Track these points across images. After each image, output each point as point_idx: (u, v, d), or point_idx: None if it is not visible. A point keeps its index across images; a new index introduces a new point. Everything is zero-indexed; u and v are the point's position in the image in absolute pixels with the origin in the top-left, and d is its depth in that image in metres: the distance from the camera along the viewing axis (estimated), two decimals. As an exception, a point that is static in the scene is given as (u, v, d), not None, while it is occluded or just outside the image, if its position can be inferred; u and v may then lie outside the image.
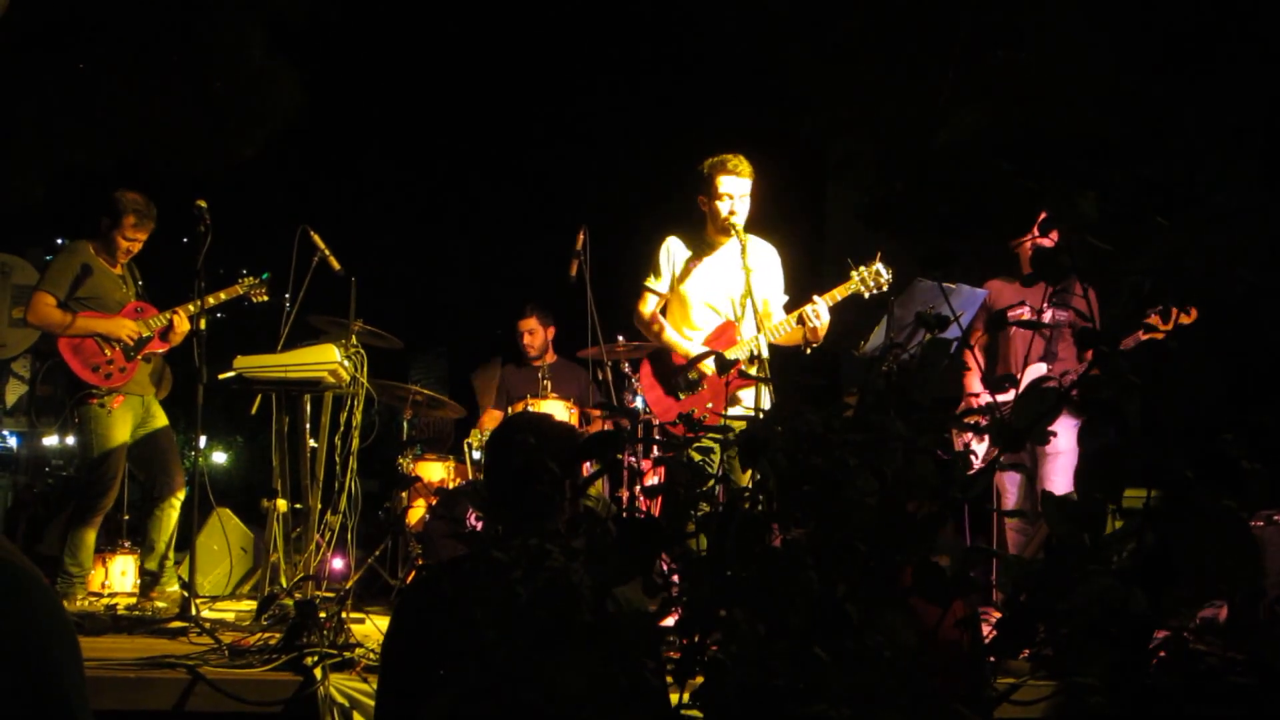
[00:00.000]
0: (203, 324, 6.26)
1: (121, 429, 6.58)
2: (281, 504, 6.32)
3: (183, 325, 6.63)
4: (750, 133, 7.82)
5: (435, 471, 7.89)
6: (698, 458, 1.83)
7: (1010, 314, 6.26)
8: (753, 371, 5.62)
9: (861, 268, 5.75)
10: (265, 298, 6.95)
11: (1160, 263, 1.58)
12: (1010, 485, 6.39)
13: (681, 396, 5.87)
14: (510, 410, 8.05)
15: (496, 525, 3.36)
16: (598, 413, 7.89)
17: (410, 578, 7.01)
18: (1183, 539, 1.52)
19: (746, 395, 5.78)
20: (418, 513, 7.56)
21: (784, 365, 6.06)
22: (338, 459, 6.09)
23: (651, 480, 6.76)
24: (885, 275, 5.72)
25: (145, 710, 4.22)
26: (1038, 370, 6.20)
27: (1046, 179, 1.70)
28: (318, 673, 4.30)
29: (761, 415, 1.79)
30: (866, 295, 5.77)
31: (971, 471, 1.71)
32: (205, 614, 5.77)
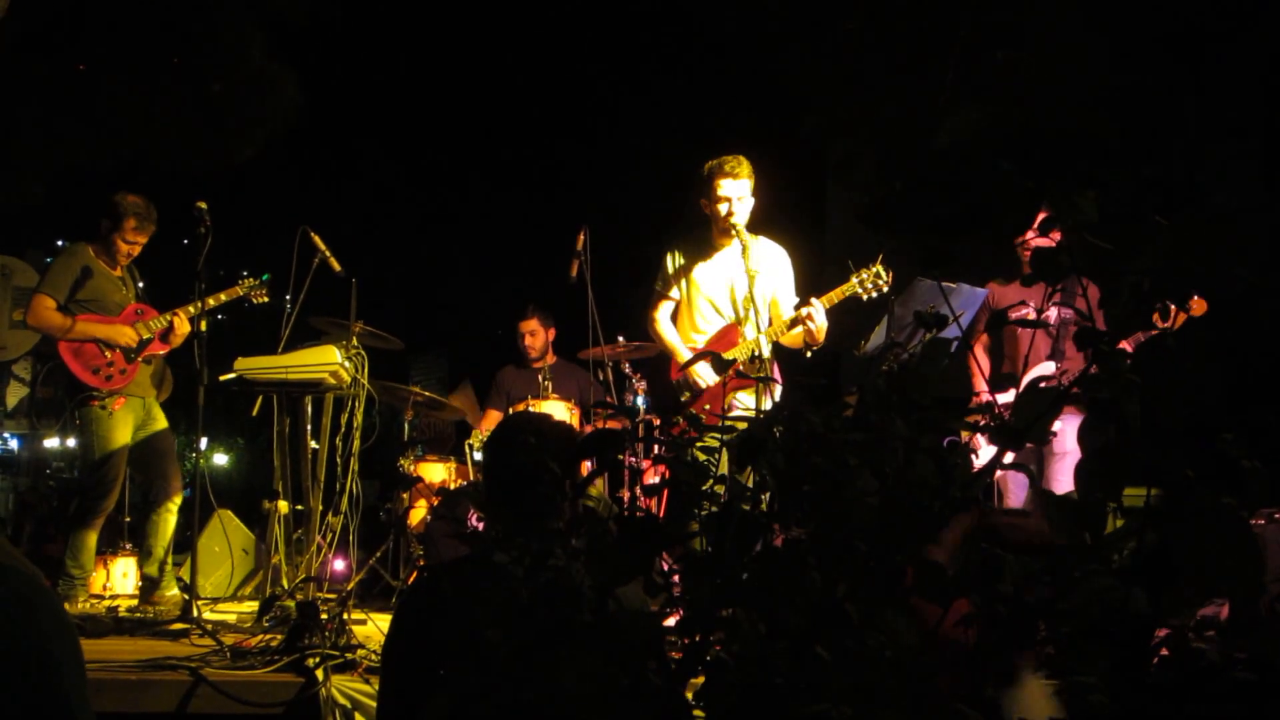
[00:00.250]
0: (203, 325, 6.26)
1: (122, 431, 6.58)
2: (283, 505, 6.33)
3: (183, 327, 6.63)
4: (750, 133, 7.83)
5: (436, 472, 7.89)
6: (703, 458, 1.82)
7: (1012, 313, 6.26)
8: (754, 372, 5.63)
9: (862, 270, 5.75)
10: (266, 299, 6.95)
11: (1160, 262, 1.58)
12: (1015, 486, 6.39)
13: (682, 399, 5.90)
14: (511, 411, 8.06)
15: (497, 526, 3.36)
16: (599, 412, 7.90)
17: (411, 578, 7.01)
18: (1183, 538, 1.52)
19: (748, 398, 5.79)
20: (419, 513, 7.57)
21: (784, 365, 6.06)
22: (339, 460, 6.09)
23: (652, 480, 6.77)
24: (885, 277, 5.72)
25: (147, 712, 4.22)
26: (1046, 369, 6.21)
27: (1046, 179, 1.70)
28: (319, 674, 4.31)
29: (762, 415, 1.80)
30: (865, 298, 5.77)
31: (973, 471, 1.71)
32: (206, 615, 5.77)
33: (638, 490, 6.79)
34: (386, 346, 6.96)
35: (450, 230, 21.72)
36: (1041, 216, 1.75)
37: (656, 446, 5.75)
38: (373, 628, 5.27)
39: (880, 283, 5.72)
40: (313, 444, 6.41)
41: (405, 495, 7.68)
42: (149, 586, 6.68)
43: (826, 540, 1.64)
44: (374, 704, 4.15)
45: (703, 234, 6.03)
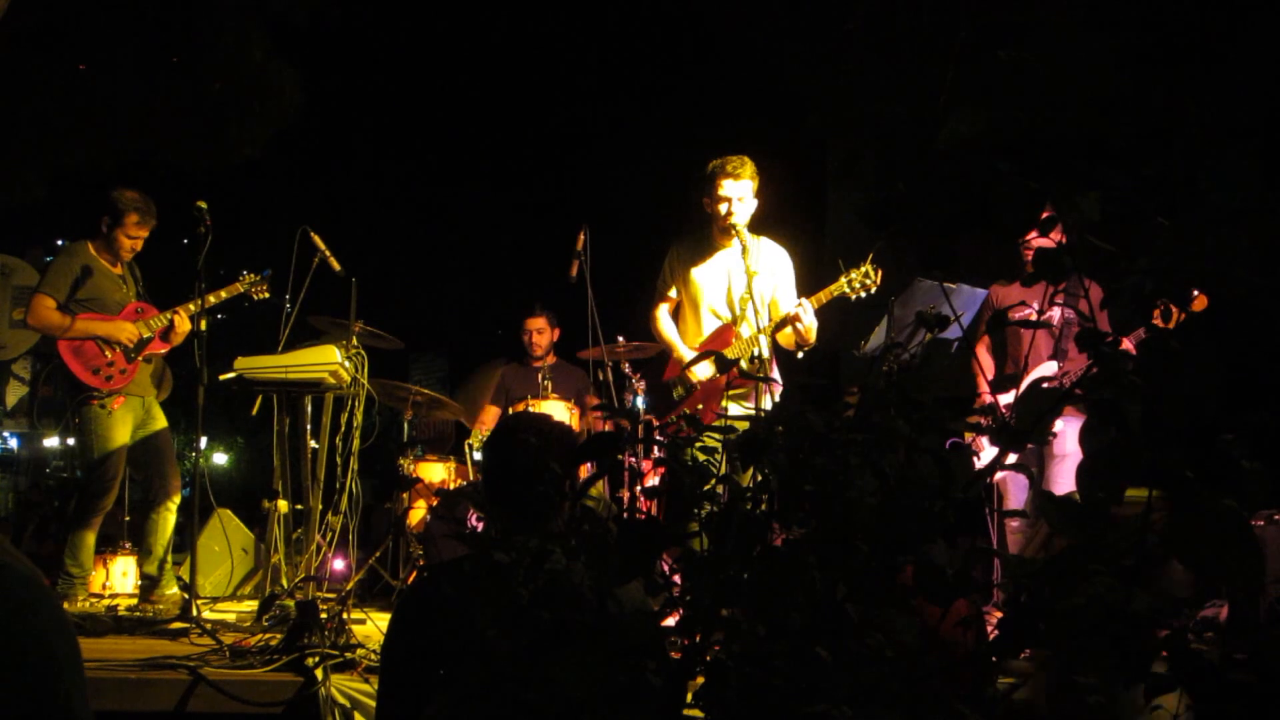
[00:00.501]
0: (203, 324, 6.26)
1: (122, 430, 6.58)
2: (282, 505, 6.33)
3: (183, 325, 6.63)
4: (751, 133, 7.82)
5: (436, 472, 7.89)
6: (703, 458, 1.82)
7: (1013, 313, 6.26)
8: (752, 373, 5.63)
9: (851, 270, 5.74)
10: (266, 295, 6.94)
11: (1161, 263, 1.58)
12: (1015, 487, 6.38)
13: (675, 398, 5.91)
14: (510, 410, 8.05)
15: (497, 526, 3.36)
16: (596, 412, 7.91)
17: (411, 578, 7.01)
18: (1184, 539, 1.52)
19: (736, 409, 5.79)
20: (419, 513, 7.56)
21: (783, 366, 6.06)
22: (338, 460, 6.09)
23: (652, 481, 6.76)
24: (874, 277, 5.71)
25: (146, 711, 4.22)
26: (1048, 368, 6.20)
27: (1047, 179, 1.70)
28: (319, 673, 4.30)
29: (763, 415, 1.79)
30: (853, 297, 5.77)
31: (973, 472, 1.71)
32: (206, 615, 5.77)
33: (637, 491, 6.79)
34: (386, 346, 6.96)
35: (450, 230, 21.74)
36: (1044, 216, 1.75)
37: (656, 447, 5.76)
38: (372, 627, 5.27)
39: (869, 283, 5.71)
40: (312, 443, 6.41)
41: (405, 495, 7.68)
42: (149, 585, 6.68)
43: (827, 540, 1.64)
44: (373, 703, 4.15)
45: (704, 234, 6.03)
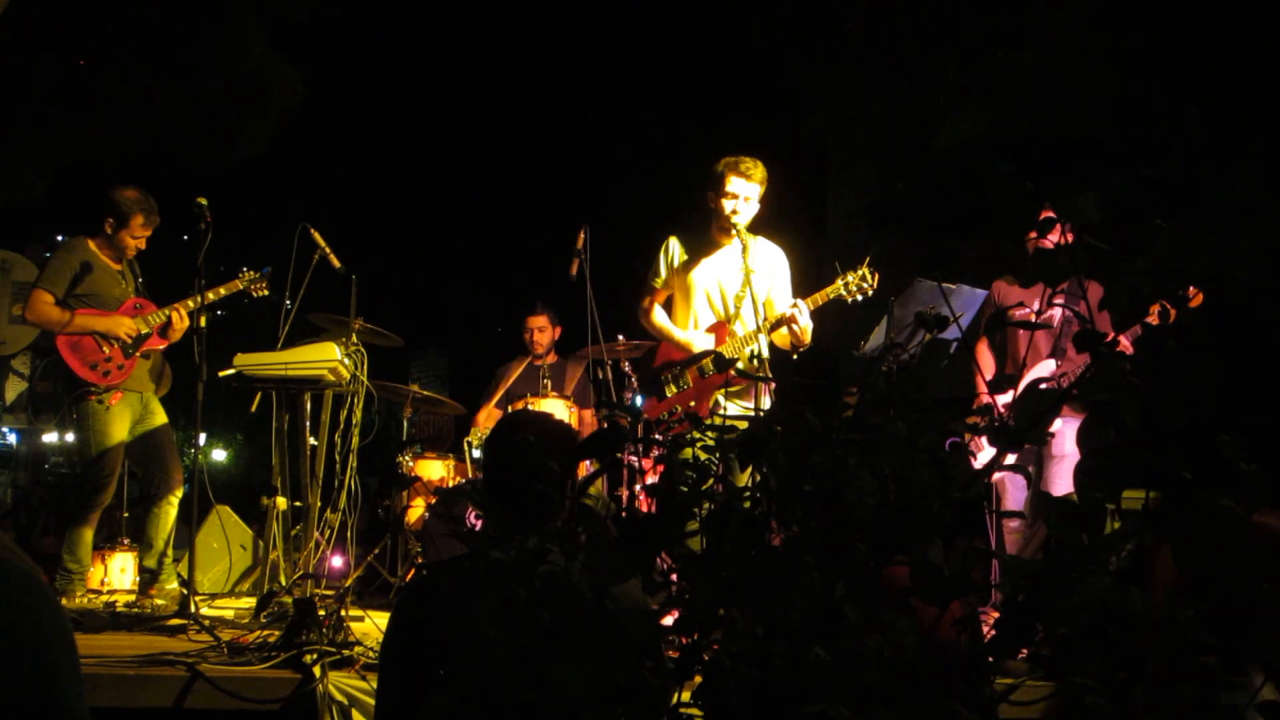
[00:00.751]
0: (203, 321, 6.26)
1: (120, 426, 6.57)
2: (281, 502, 6.33)
3: (181, 322, 6.62)
4: (752, 133, 7.82)
5: (435, 470, 7.89)
6: (704, 456, 1.82)
7: (1013, 313, 6.26)
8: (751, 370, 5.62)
9: (848, 272, 5.73)
10: (266, 292, 6.94)
11: (1160, 263, 1.58)
12: (1014, 488, 6.38)
13: (667, 395, 5.87)
14: (510, 409, 8.05)
15: (495, 524, 3.36)
16: (590, 415, 7.91)
17: (409, 576, 7.01)
18: (1181, 540, 1.52)
19: (733, 406, 5.78)
20: (417, 511, 7.56)
21: (776, 366, 6.05)
22: (337, 457, 6.09)
23: (652, 479, 6.76)
24: (870, 280, 5.71)
25: (144, 707, 4.22)
26: (1047, 367, 6.20)
27: (1047, 179, 1.71)
28: (316, 670, 4.31)
29: (761, 414, 1.79)
30: (849, 300, 5.76)
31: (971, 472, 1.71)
32: (204, 611, 5.77)
33: (636, 489, 6.79)
34: (386, 343, 6.96)
35: (451, 228, 21.74)
36: (1043, 216, 1.75)
37: (655, 446, 5.75)
38: (370, 625, 5.27)
39: (866, 286, 5.71)
40: (311, 440, 6.41)
41: (404, 493, 7.68)
42: (148, 579, 6.68)
43: (826, 540, 1.64)
44: (371, 701, 4.15)
45: (702, 229, 6.02)
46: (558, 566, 1.70)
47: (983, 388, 6.39)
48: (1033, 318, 5.98)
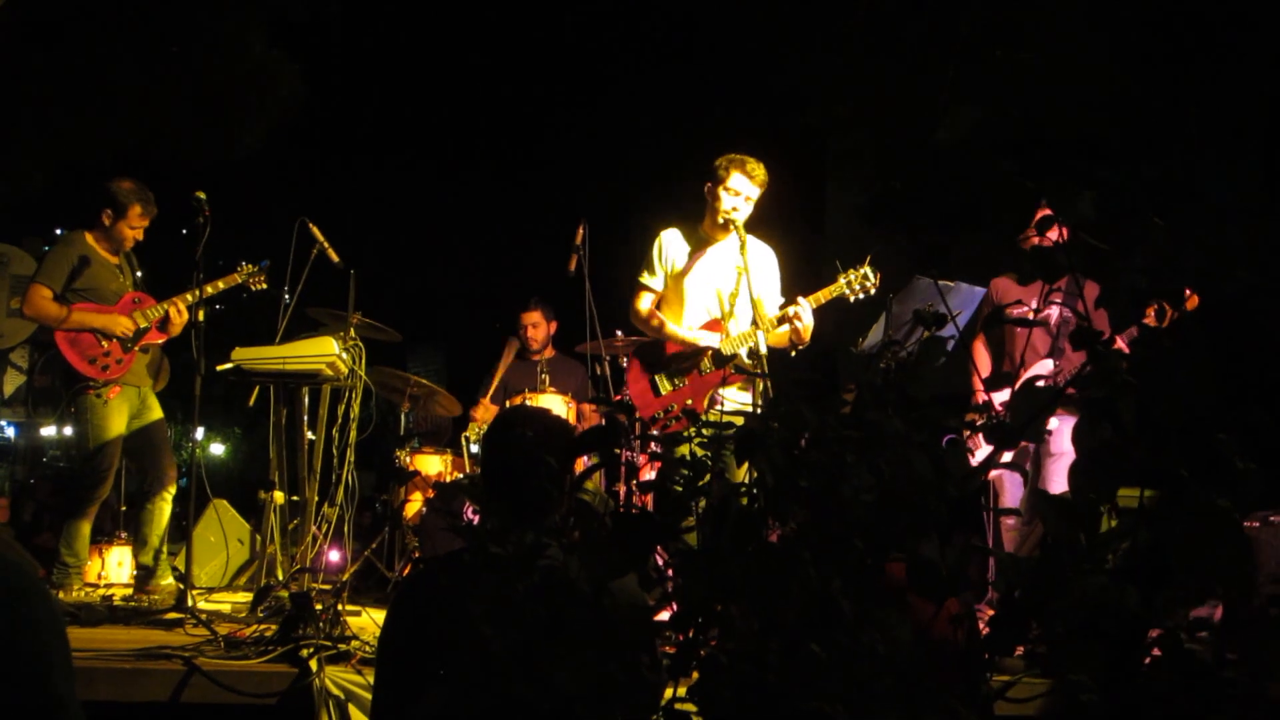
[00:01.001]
0: (201, 315, 6.25)
1: (118, 420, 6.57)
2: (278, 496, 6.33)
3: (180, 317, 6.61)
4: (751, 129, 7.82)
5: (433, 464, 7.89)
6: (701, 453, 1.82)
7: (1010, 310, 6.26)
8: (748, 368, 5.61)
9: (850, 270, 5.73)
10: (264, 285, 6.94)
11: (1157, 261, 1.58)
12: (1011, 485, 6.38)
13: (662, 392, 5.85)
14: (507, 404, 8.05)
15: (493, 519, 3.36)
16: (590, 409, 7.90)
17: (406, 570, 7.01)
18: (1177, 538, 1.52)
19: (729, 393, 5.77)
20: (415, 506, 7.57)
21: (780, 362, 6.04)
22: (335, 451, 6.09)
23: (648, 475, 6.75)
24: (873, 279, 5.71)
25: (140, 701, 4.22)
26: (1044, 366, 6.20)
27: (1045, 177, 1.71)
28: (313, 665, 4.31)
29: (759, 411, 1.80)
30: (853, 298, 5.75)
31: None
32: (201, 605, 5.77)
33: (634, 485, 6.79)
34: (384, 338, 6.96)
35: (449, 223, 21.74)
36: (1040, 214, 1.75)
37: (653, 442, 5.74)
38: (367, 619, 5.27)
39: (868, 284, 5.71)
40: (309, 435, 6.41)
41: (401, 488, 7.68)
42: (144, 575, 6.67)
43: (822, 536, 1.64)
44: (367, 695, 4.15)
45: (696, 226, 5.99)
46: (556, 562, 1.71)
47: (978, 385, 6.40)
48: (1030, 315, 6.00)
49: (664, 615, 1.79)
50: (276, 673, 4.35)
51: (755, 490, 1.74)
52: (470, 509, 6.80)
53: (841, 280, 5.72)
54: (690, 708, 1.65)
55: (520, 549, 1.71)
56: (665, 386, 5.83)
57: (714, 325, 5.83)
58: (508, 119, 19.44)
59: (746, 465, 1.77)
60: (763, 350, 5.55)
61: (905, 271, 5.93)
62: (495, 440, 3.25)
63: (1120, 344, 5.56)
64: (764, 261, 5.91)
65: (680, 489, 1.76)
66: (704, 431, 1.92)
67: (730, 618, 1.65)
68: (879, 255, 5.77)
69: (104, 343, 6.49)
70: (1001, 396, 6.17)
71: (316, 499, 6.21)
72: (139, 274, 6.86)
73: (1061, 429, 5.83)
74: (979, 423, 1.73)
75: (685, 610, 1.68)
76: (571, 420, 7.44)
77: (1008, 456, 5.91)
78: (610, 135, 16.27)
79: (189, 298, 6.57)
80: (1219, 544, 1.50)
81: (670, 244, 5.99)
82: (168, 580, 6.66)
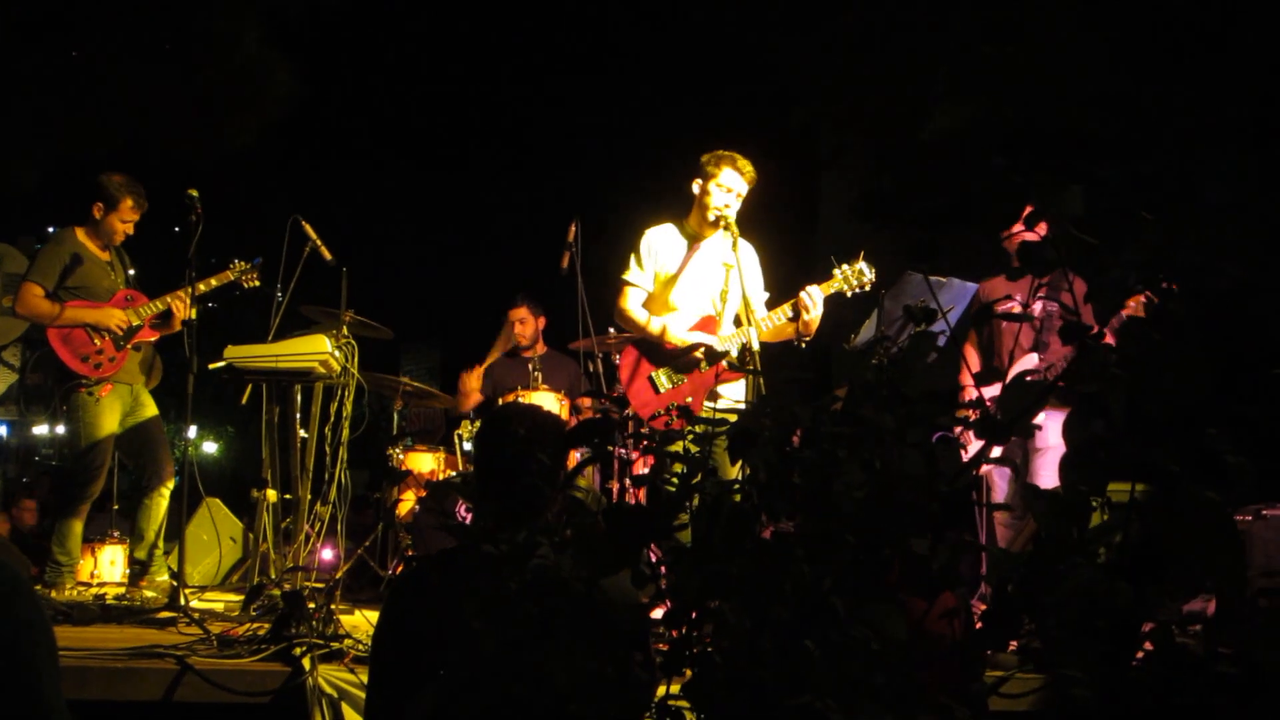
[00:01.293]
0: (193, 313, 6.25)
1: (110, 418, 6.57)
2: (271, 494, 6.32)
3: (181, 313, 6.58)
4: (743, 125, 7.81)
5: (425, 463, 7.89)
6: (694, 449, 1.83)
7: (999, 307, 6.27)
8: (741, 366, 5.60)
9: (844, 265, 5.72)
10: (257, 283, 6.93)
11: (1147, 256, 1.58)
12: (1001, 480, 6.40)
13: (661, 390, 5.83)
14: (499, 401, 8.04)
15: (486, 517, 3.36)
16: (588, 402, 7.89)
17: (398, 569, 7.01)
18: (1169, 532, 1.53)
19: (726, 390, 5.76)
20: (407, 504, 7.56)
21: (775, 358, 6.03)
22: (328, 449, 6.08)
23: (642, 470, 6.74)
24: (868, 275, 5.70)
25: (133, 700, 4.21)
26: (1029, 361, 6.21)
27: (1035, 173, 1.71)
28: (306, 663, 4.30)
29: (749, 405, 1.80)
30: (849, 294, 5.75)
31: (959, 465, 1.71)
32: (194, 604, 5.76)
33: (627, 482, 6.78)
34: (376, 335, 6.95)
35: (442, 220, 21.74)
36: (1028, 211, 1.75)
37: (641, 441, 5.72)
38: (360, 618, 5.27)
39: (864, 279, 5.71)
40: (302, 433, 6.40)
41: (394, 486, 7.68)
42: (138, 571, 6.68)
43: (814, 533, 1.64)
44: (360, 694, 4.15)
45: (682, 223, 5.98)
46: (548, 560, 1.70)
47: (966, 380, 6.41)
48: (1018, 310, 6.00)
49: (657, 613, 1.79)
50: (269, 671, 4.35)
51: (748, 487, 1.74)
52: (463, 507, 6.79)
53: (837, 275, 5.72)
54: (683, 705, 1.65)
55: (513, 547, 1.71)
56: (664, 384, 5.81)
57: (706, 322, 5.82)
58: (501, 116, 19.44)
59: (739, 463, 1.77)
60: (755, 347, 5.53)
61: (898, 267, 5.93)
62: (487, 438, 3.25)
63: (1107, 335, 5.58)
64: (745, 258, 5.88)
65: (673, 487, 1.75)
66: (697, 428, 1.92)
67: (723, 615, 1.65)
68: (872, 251, 5.76)
69: (96, 340, 6.49)
70: (991, 392, 6.18)
71: (309, 497, 6.21)
72: (131, 271, 6.86)
73: (1048, 424, 5.84)
74: (971, 419, 1.73)
75: (678, 607, 1.68)
76: (565, 417, 7.43)
77: (996, 451, 5.93)
78: (603, 133, 16.26)
79: (182, 295, 6.56)
80: (1210, 538, 1.50)
81: (657, 241, 5.96)
82: (162, 576, 6.66)
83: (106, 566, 7.39)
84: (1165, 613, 1.58)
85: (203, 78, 11.83)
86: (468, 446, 7.77)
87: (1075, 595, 1.54)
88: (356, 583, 7.16)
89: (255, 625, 4.97)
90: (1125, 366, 1.55)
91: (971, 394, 6.20)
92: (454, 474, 7.63)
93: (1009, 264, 6.44)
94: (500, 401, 7.89)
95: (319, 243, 6.55)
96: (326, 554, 6.87)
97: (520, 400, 7.29)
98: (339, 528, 6.16)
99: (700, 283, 5.87)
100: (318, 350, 5.99)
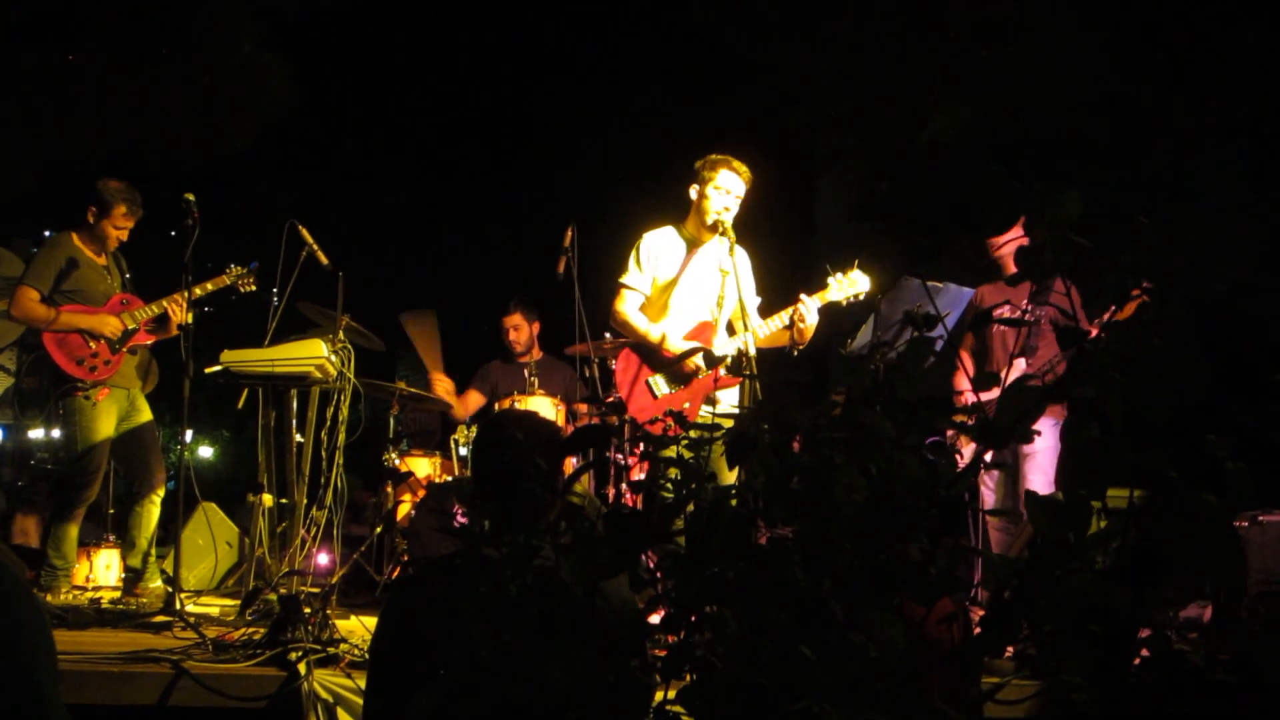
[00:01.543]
0: (189, 317, 6.24)
1: (106, 422, 6.56)
2: (267, 499, 6.31)
3: (178, 317, 6.58)
4: (740, 129, 7.81)
5: (422, 467, 7.88)
6: (689, 455, 1.82)
7: (995, 312, 6.28)
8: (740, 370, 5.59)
9: (840, 274, 5.72)
10: (253, 287, 6.93)
11: (1145, 259, 1.58)
12: (988, 482, 6.41)
13: (658, 395, 5.81)
14: (496, 407, 8.04)
15: (482, 521, 3.35)
16: (585, 408, 7.89)
17: (395, 573, 7.00)
18: (1167, 537, 1.52)
19: (724, 395, 5.75)
20: (405, 508, 7.56)
21: (770, 364, 6.03)
22: (324, 454, 6.08)
23: (639, 476, 6.72)
24: (863, 284, 5.70)
25: (128, 704, 4.20)
26: (1017, 367, 6.22)
27: (1031, 178, 1.71)
28: (302, 668, 4.29)
29: (746, 409, 1.80)
30: (845, 303, 5.75)
31: (957, 470, 1.71)
32: (189, 608, 5.75)
33: (623, 487, 6.77)
34: (369, 346, 6.94)
35: (439, 225, 21.73)
36: (1020, 223, 1.76)
37: (642, 444, 5.71)
38: (356, 623, 5.26)
39: (859, 292, 5.71)
40: (298, 437, 6.40)
41: (390, 490, 7.67)
42: (132, 578, 6.67)
43: (812, 538, 1.64)
44: (356, 699, 4.15)
45: (679, 227, 5.97)
46: (548, 563, 1.70)
47: (963, 385, 6.43)
48: (1009, 314, 6.02)
49: (655, 618, 1.79)
50: (265, 676, 4.34)
51: (745, 492, 1.74)
52: (460, 513, 6.78)
53: (831, 284, 5.72)
54: (680, 709, 1.65)
55: (515, 550, 1.71)
56: (662, 389, 5.79)
57: (703, 328, 5.81)
58: (497, 120, 19.45)
59: (736, 468, 1.77)
60: (751, 353, 5.53)
61: (895, 271, 5.93)
62: (484, 442, 3.25)
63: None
64: (742, 263, 5.87)
65: (670, 492, 1.75)
66: (692, 433, 1.91)
67: (722, 619, 1.64)
68: (869, 256, 5.76)
69: (92, 344, 6.48)
70: (984, 398, 6.18)
71: (305, 502, 6.20)
72: (127, 276, 6.86)
73: (1037, 426, 5.83)
74: (969, 424, 1.73)
75: (677, 612, 1.68)
76: (561, 422, 7.43)
77: (988, 456, 5.91)
78: (600, 137, 16.26)
79: (179, 299, 6.56)
80: (1210, 542, 1.50)
81: (656, 245, 5.94)
82: (156, 583, 6.64)
83: (102, 570, 7.38)
84: (1163, 619, 1.58)
85: (199, 81, 11.83)
86: (464, 452, 7.77)
87: (1072, 600, 1.54)
88: (352, 587, 7.16)
89: (251, 630, 4.96)
90: (1123, 370, 1.55)
91: (969, 399, 6.21)
92: (449, 479, 7.62)
93: (995, 270, 6.45)
94: (496, 407, 7.90)
95: (315, 247, 6.54)
96: (322, 559, 6.86)
97: (516, 405, 7.29)
98: (335, 532, 6.15)
99: (697, 288, 5.86)
100: (314, 355, 5.99)
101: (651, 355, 5.84)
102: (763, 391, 4.97)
